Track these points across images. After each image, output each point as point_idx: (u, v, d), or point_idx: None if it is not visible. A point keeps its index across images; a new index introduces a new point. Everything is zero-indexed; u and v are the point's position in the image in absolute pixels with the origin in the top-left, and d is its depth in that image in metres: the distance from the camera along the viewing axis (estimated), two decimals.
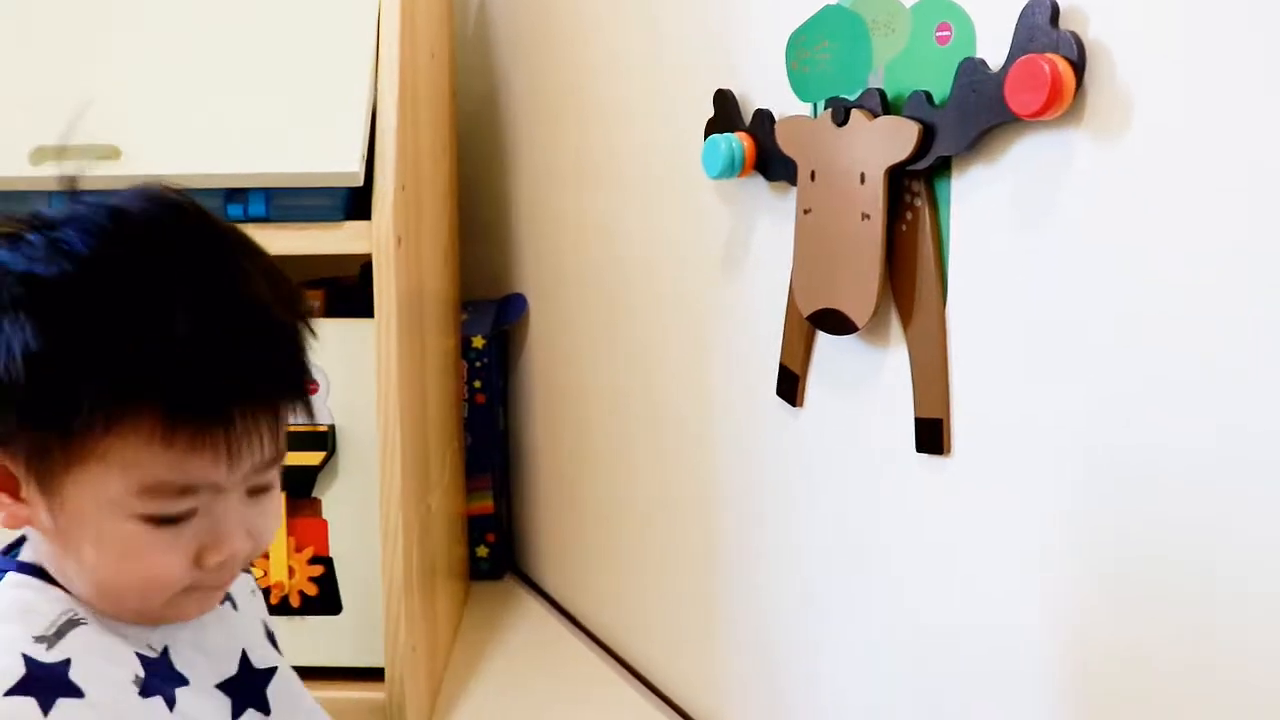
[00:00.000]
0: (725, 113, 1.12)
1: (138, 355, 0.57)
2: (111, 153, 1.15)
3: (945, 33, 0.90)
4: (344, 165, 1.14)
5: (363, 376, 1.18)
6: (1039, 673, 0.88)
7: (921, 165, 0.91)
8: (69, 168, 1.14)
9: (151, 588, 0.63)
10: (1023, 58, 0.80)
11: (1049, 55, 0.79)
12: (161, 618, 0.66)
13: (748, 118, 1.10)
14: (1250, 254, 0.71)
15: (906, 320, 0.96)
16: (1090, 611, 0.84)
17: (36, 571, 0.65)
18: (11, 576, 0.65)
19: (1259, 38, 0.70)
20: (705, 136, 1.12)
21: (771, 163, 1.07)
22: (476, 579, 1.69)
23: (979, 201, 0.89)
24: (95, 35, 1.23)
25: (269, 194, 1.16)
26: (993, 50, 0.86)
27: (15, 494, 0.63)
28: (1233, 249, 0.72)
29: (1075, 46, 0.79)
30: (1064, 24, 0.80)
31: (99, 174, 1.14)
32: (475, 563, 1.68)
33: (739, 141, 1.08)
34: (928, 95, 0.90)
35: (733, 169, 1.07)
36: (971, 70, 0.86)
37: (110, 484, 0.60)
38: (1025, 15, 0.82)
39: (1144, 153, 0.77)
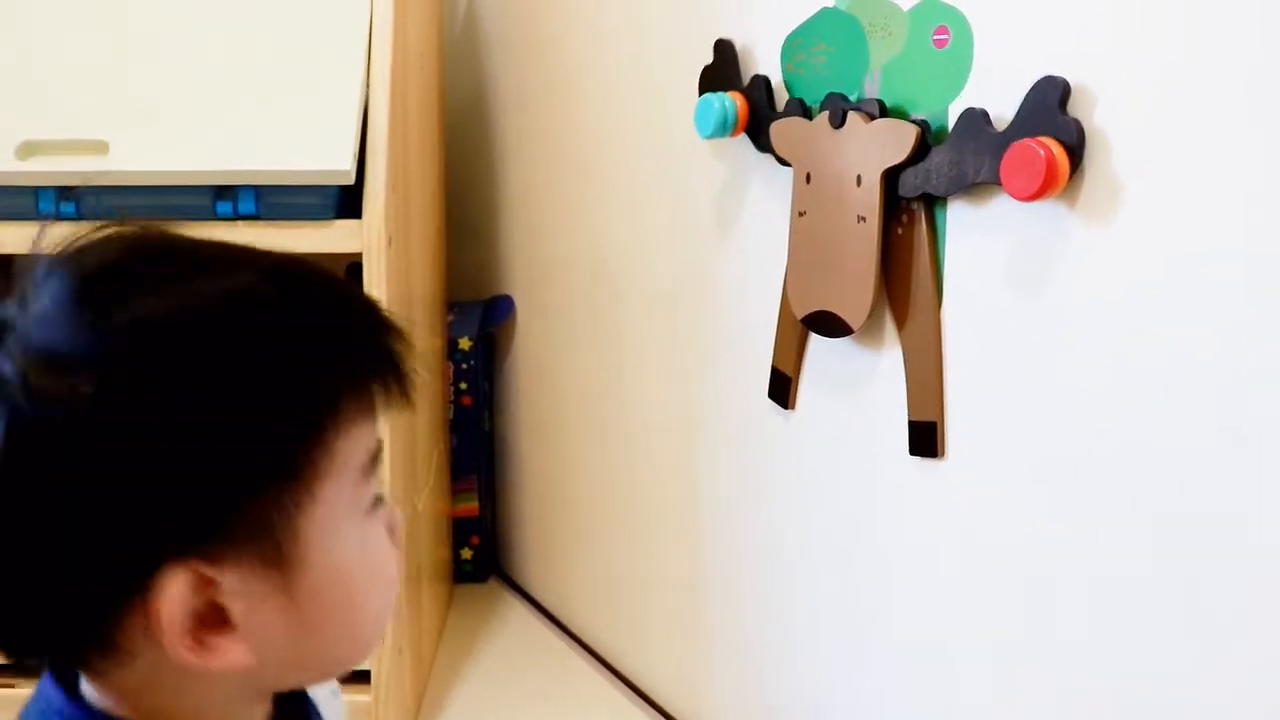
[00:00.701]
0: (723, 65, 1.11)
1: (341, 343, 0.53)
2: (100, 148, 1.14)
3: (943, 36, 0.90)
4: (336, 163, 1.13)
5: None
6: (1030, 675, 0.89)
7: (910, 194, 0.91)
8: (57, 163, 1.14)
9: (393, 591, 0.57)
10: (1019, 143, 0.80)
11: (1046, 141, 0.79)
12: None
13: (745, 78, 1.09)
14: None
15: (901, 323, 0.96)
16: (1082, 614, 0.84)
17: None
18: None
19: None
20: (700, 90, 1.12)
21: (763, 128, 1.06)
22: (461, 581, 1.68)
23: (974, 212, 0.89)
24: (83, 30, 1.22)
25: (259, 191, 1.15)
26: (991, 56, 0.86)
27: (223, 625, 0.50)
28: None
29: (1076, 134, 0.79)
30: (1073, 105, 0.80)
31: (87, 169, 1.14)
32: (459, 565, 1.68)
33: (732, 101, 1.07)
34: (925, 124, 0.90)
35: (725, 129, 1.06)
36: (972, 124, 0.86)
37: (343, 491, 0.52)
38: (1035, 91, 0.81)
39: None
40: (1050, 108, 0.80)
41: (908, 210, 0.93)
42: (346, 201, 1.17)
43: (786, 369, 1.08)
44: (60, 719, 0.53)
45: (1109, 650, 0.82)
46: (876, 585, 1.02)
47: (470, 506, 1.66)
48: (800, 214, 1.01)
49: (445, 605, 1.58)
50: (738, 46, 1.09)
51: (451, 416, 1.63)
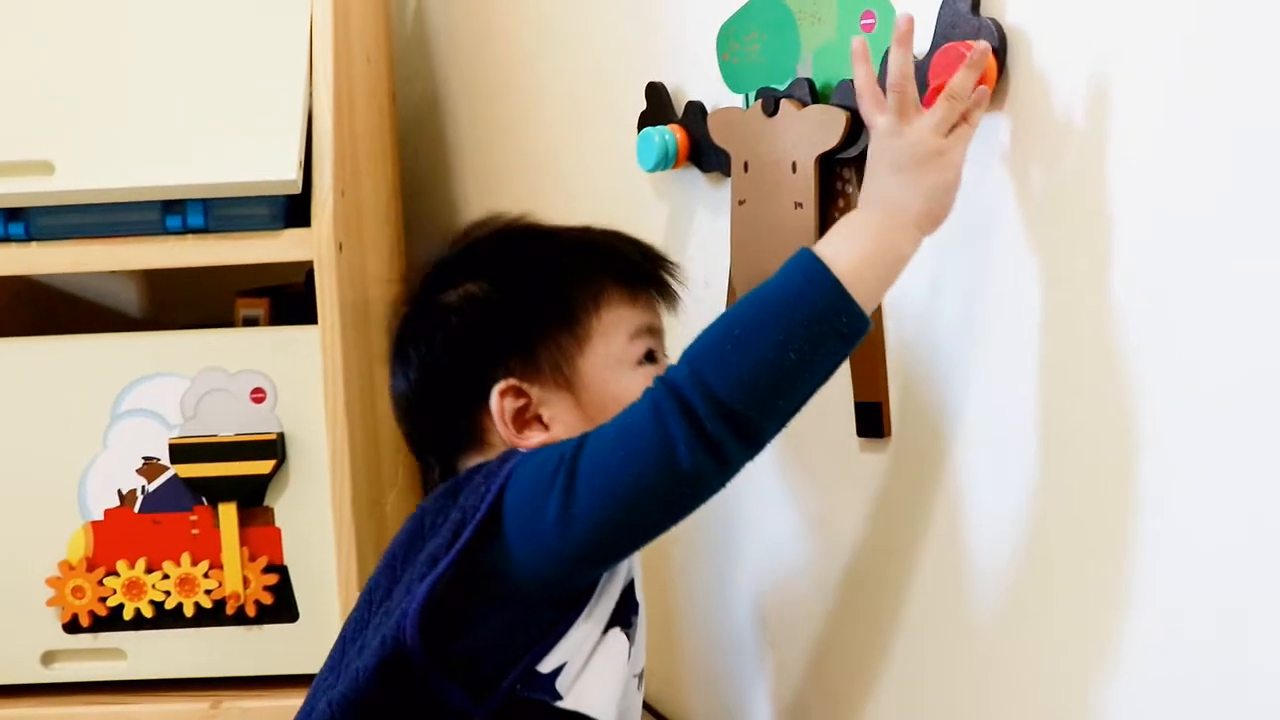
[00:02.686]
0: (658, 105, 1.13)
1: (608, 258, 0.95)
2: (45, 169, 1.14)
3: (869, 20, 0.91)
4: (281, 173, 1.14)
5: (309, 383, 1.18)
6: (991, 652, 0.90)
7: (851, 153, 0.92)
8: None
9: None
10: (944, 46, 0.81)
11: (970, 43, 0.80)
12: None
13: (680, 109, 1.10)
14: (1167, 232, 0.72)
15: None
16: (1041, 590, 0.85)
17: None
18: None
19: (1169, 21, 0.71)
20: (638, 130, 1.13)
21: (705, 154, 1.07)
22: None
23: None
24: (22, 47, 1.22)
25: (207, 204, 1.15)
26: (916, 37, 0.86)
27: (536, 421, 0.90)
28: (1152, 226, 0.73)
29: (997, 33, 0.80)
30: (984, 10, 0.81)
31: (34, 190, 1.14)
32: None
33: (671, 134, 1.08)
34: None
35: (667, 161, 1.08)
36: None
37: (613, 345, 0.91)
38: (947, 3, 0.83)
39: (1063, 134, 0.78)
40: (964, 14, 0.81)
41: (844, 194, 0.94)
42: (296, 209, 1.18)
43: None
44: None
45: (1065, 624, 0.83)
46: (832, 566, 1.03)
47: None
48: (740, 202, 1.02)
49: None
50: (669, 83, 1.12)
51: None
